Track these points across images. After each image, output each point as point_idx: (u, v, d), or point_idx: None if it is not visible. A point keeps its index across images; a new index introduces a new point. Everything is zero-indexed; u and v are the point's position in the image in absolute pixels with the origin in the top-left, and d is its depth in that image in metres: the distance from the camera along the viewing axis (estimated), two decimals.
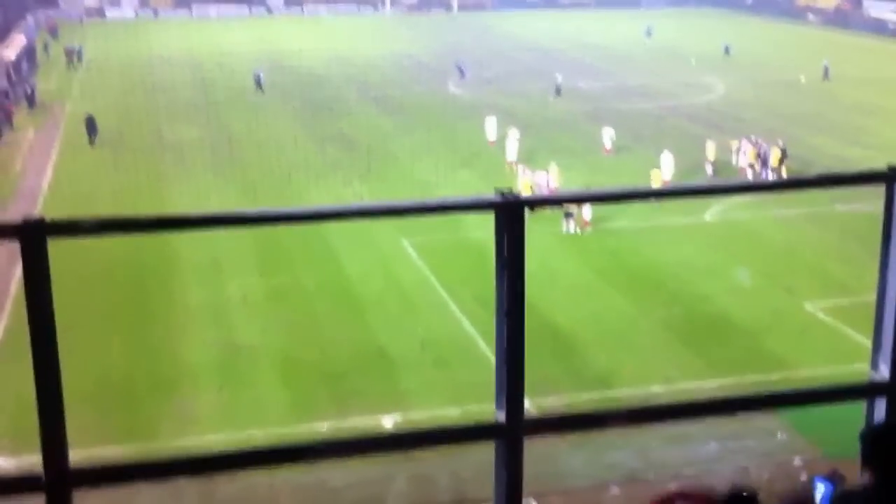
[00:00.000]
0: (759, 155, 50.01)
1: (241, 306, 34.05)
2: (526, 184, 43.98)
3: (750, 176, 49.22)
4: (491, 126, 55.54)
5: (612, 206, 41.22)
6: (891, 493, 5.07)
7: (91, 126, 57.55)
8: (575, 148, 54.80)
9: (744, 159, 50.21)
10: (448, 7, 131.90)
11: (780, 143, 50.81)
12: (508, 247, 4.89)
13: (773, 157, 49.64)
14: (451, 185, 46.80)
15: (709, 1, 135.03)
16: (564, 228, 40.63)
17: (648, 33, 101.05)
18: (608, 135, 54.16)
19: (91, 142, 57.01)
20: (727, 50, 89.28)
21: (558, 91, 70.64)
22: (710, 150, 50.60)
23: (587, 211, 40.94)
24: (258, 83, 73.83)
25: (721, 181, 45.11)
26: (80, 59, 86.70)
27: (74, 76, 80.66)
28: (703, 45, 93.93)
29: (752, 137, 51.61)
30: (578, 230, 40.75)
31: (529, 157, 49.91)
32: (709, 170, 49.20)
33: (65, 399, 4.56)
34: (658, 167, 46.89)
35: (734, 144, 51.29)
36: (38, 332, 4.42)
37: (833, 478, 21.23)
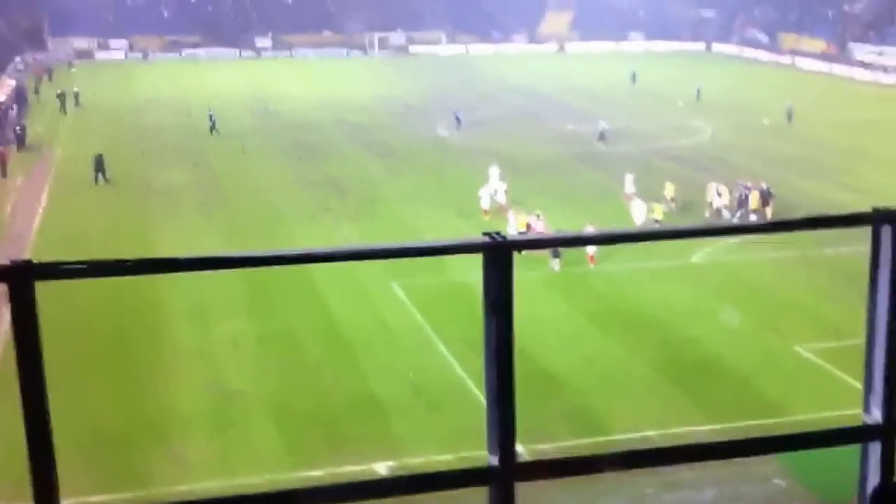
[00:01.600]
0: (740, 197, 50.48)
1: (231, 351, 33.96)
2: (522, 222, 44.39)
3: (726, 217, 49.58)
4: (493, 173, 54.41)
5: (601, 249, 41.35)
6: None
7: (99, 165, 58.53)
8: (567, 191, 54.93)
9: (718, 201, 50.40)
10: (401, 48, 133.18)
11: (764, 185, 51.17)
12: (496, 289, 4.88)
13: (753, 199, 49.97)
14: (441, 229, 46.82)
15: (690, 46, 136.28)
16: (550, 267, 40.76)
17: (633, 78, 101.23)
18: (630, 179, 53.86)
19: (96, 180, 58.14)
20: (698, 94, 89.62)
21: (602, 136, 70.12)
22: (669, 190, 51.65)
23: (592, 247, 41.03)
24: (212, 125, 74.48)
25: (709, 224, 45.23)
26: (77, 102, 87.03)
27: (64, 119, 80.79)
28: (682, 88, 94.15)
29: (739, 181, 52.08)
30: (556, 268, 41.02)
31: (521, 200, 50.02)
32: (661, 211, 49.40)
33: (55, 443, 4.53)
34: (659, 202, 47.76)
35: (711, 187, 51.56)
36: (26, 376, 4.40)
37: None
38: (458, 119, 75.68)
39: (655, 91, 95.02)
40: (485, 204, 50.44)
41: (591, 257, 41.66)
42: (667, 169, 59.06)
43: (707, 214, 49.71)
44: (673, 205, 50.78)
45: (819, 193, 54.00)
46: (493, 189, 51.47)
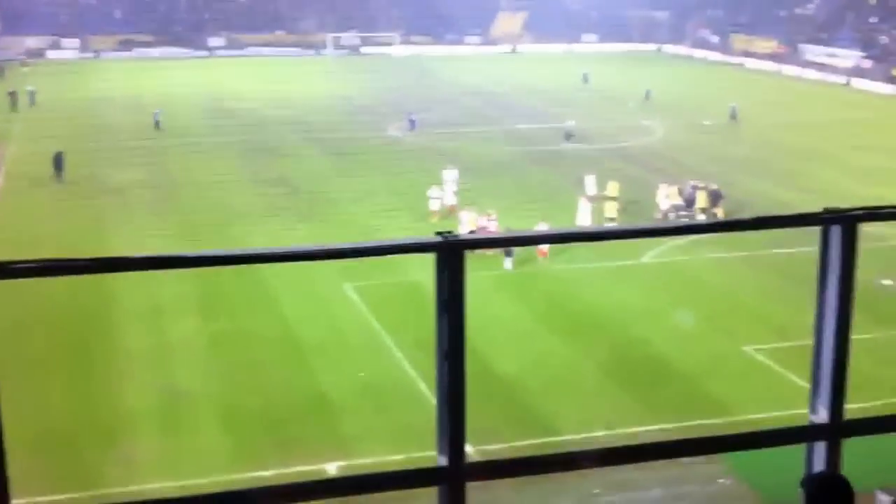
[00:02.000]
0: (689, 196, 50.90)
1: (182, 351, 33.78)
2: (473, 222, 44.55)
3: (672, 218, 49.89)
4: (449, 176, 53.72)
5: (551, 248, 41.59)
6: None
7: (58, 163, 58.70)
8: (520, 191, 55.04)
9: (666, 202, 50.68)
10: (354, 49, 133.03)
11: (713, 185, 51.60)
12: (449, 288, 4.89)
13: (700, 198, 50.50)
14: (394, 229, 46.80)
15: (642, 47, 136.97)
16: (503, 266, 40.92)
17: (585, 79, 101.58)
18: (590, 182, 54.26)
19: (57, 177, 58.06)
20: (647, 95, 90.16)
21: (568, 135, 70.73)
22: (612, 189, 52.36)
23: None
24: (156, 124, 75.12)
25: (660, 223, 45.49)
26: (32, 101, 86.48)
27: (17, 117, 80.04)
28: (633, 88, 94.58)
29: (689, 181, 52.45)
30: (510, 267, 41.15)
31: (473, 201, 50.06)
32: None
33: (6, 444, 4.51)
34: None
35: (662, 189, 51.84)
36: None
37: None
38: (411, 122, 75.47)
39: (607, 92, 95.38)
40: (434, 206, 49.93)
41: (543, 252, 41.83)
42: (619, 169, 59.32)
43: (658, 216, 49.90)
44: (616, 204, 51.15)
45: (769, 193, 54.37)
46: (444, 191, 51.12)
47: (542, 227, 42.12)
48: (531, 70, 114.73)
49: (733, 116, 79.38)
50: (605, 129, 76.37)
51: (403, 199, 53.62)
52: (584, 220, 47.25)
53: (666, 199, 50.65)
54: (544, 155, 66.16)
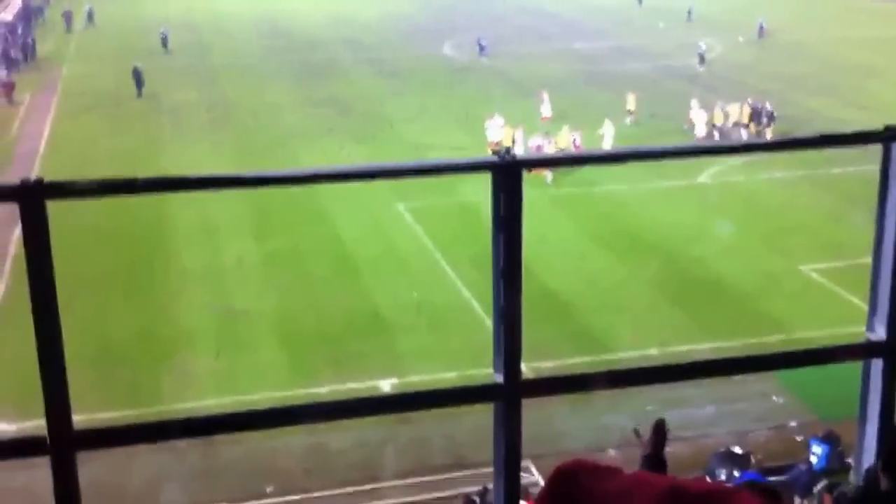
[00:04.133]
0: (726, 116, 50.72)
1: (237, 270, 34.10)
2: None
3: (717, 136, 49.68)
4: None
5: (608, 169, 41.29)
6: None
7: (138, 78, 59.77)
8: (576, 110, 54.64)
9: (702, 123, 50.14)
10: None
11: (759, 104, 50.90)
12: (505, 208, 4.88)
13: (740, 114, 50.66)
14: (448, 149, 46.60)
15: None
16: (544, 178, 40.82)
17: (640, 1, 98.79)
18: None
19: (139, 94, 59.23)
20: (689, 14, 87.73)
21: (702, 59, 68.32)
22: (630, 102, 52.69)
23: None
24: (164, 43, 74.95)
25: (718, 143, 45.06)
26: (91, 20, 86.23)
27: (72, 38, 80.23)
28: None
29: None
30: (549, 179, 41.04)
31: (525, 120, 49.67)
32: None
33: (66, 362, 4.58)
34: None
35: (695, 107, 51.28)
36: (38, 295, 4.43)
37: (828, 439, 21.39)
38: (481, 46, 73.00)
39: (662, 9, 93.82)
40: (493, 136, 47.96)
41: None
42: (674, 88, 58.73)
43: (696, 133, 49.38)
44: (633, 118, 51.54)
45: (827, 112, 53.68)
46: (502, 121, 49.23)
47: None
48: None
49: (761, 33, 77.98)
50: (653, 47, 75.49)
51: (459, 119, 53.32)
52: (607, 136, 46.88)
53: (702, 117, 50.03)
54: (601, 75, 65.44)
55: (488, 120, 48.44)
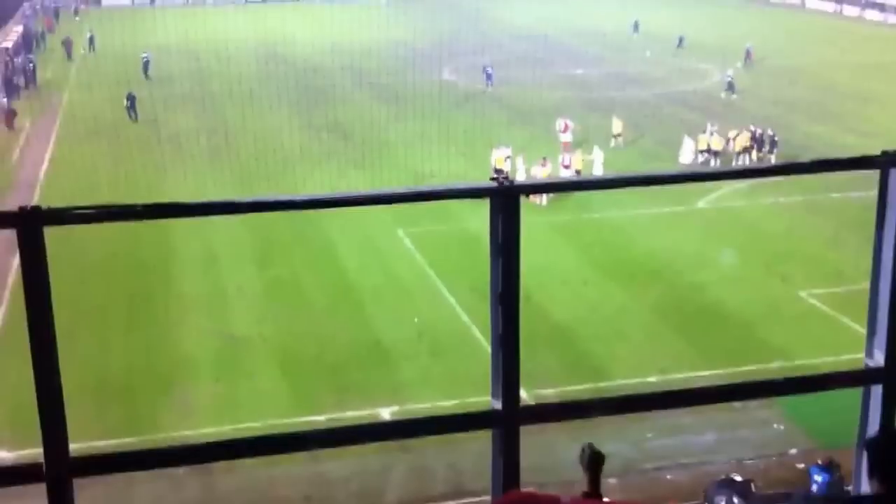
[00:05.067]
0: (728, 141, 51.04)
1: (238, 297, 34.05)
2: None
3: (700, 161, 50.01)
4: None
5: (606, 193, 41.18)
6: None
7: (132, 104, 61.03)
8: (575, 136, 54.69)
9: (689, 151, 50.24)
10: None
11: (760, 130, 51.08)
12: (503, 233, 4.89)
13: (740, 141, 50.73)
14: (447, 175, 46.56)
15: None
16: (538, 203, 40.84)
17: (636, 28, 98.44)
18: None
19: (134, 120, 60.39)
20: (680, 42, 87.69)
21: (731, 87, 67.86)
22: (616, 126, 52.86)
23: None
24: (145, 69, 75.58)
25: (716, 168, 45.09)
26: (92, 46, 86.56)
27: (72, 65, 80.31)
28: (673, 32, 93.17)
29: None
30: (543, 202, 41.00)
31: (523, 147, 49.71)
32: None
33: (63, 389, 4.57)
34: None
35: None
36: (36, 320, 4.42)
37: (829, 466, 21.30)
38: (488, 74, 71.65)
39: (659, 35, 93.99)
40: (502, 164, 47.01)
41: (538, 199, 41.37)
42: (676, 114, 58.81)
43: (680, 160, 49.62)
44: (620, 140, 51.96)
45: (828, 138, 53.76)
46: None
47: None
48: (583, 12, 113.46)
49: (747, 57, 78.36)
50: (653, 73, 75.66)
51: (458, 144, 53.33)
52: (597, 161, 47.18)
53: (690, 145, 50.13)
54: (598, 100, 65.54)
55: (495, 149, 48.34)
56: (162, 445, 4.89)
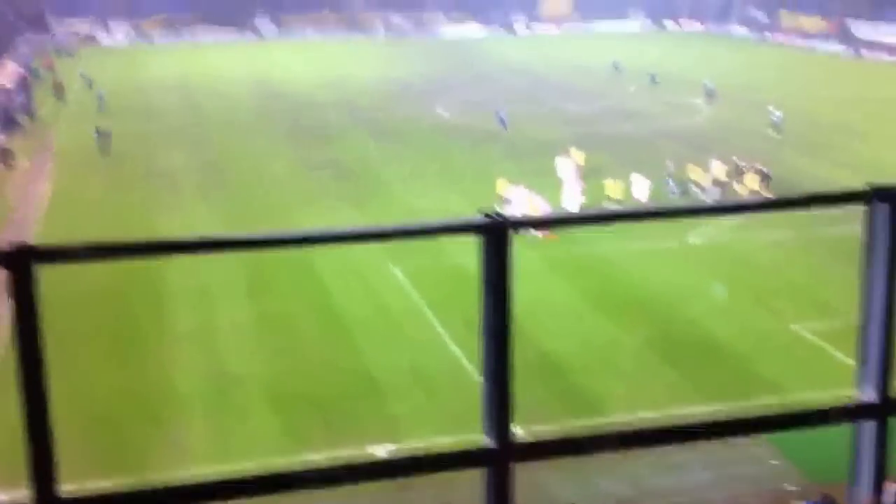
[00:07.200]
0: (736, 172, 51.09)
1: (230, 334, 33.98)
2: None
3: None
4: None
5: (596, 229, 41.15)
6: None
7: (104, 140, 61.40)
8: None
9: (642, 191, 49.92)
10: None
11: (747, 164, 51.33)
12: (494, 269, 4.87)
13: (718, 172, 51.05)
14: (443, 211, 46.53)
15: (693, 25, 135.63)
16: (532, 236, 40.79)
17: (616, 67, 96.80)
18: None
19: (105, 154, 60.51)
20: (653, 79, 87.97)
21: (777, 128, 66.35)
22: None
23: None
24: (100, 106, 75.91)
25: (708, 203, 45.04)
26: (88, 84, 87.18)
27: (65, 106, 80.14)
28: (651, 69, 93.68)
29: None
30: (540, 235, 40.96)
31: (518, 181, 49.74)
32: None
33: (54, 428, 4.53)
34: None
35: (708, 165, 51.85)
36: (26, 361, 4.39)
37: (824, 502, 21.22)
38: (502, 119, 69.67)
39: (651, 71, 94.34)
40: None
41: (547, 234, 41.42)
42: (669, 149, 58.93)
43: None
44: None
45: (816, 171, 53.96)
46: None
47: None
48: (575, 51, 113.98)
49: (710, 95, 78.50)
50: (653, 108, 75.95)
51: (455, 181, 53.40)
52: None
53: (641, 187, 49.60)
54: (590, 136, 65.55)
55: (504, 190, 48.35)
56: (152, 486, 4.84)
